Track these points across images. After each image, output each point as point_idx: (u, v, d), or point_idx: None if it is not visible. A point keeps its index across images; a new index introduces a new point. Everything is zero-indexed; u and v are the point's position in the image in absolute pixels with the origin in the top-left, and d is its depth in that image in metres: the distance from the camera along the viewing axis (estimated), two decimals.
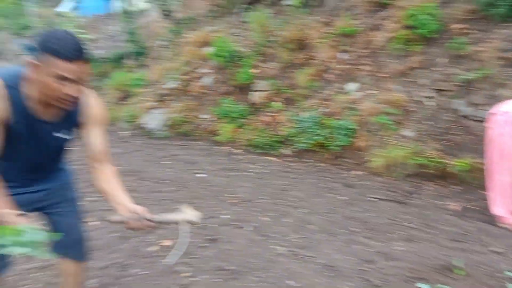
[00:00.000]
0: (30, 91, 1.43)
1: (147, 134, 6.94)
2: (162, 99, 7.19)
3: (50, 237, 1.27)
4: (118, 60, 9.39)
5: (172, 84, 7.09)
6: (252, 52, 6.05)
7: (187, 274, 2.64)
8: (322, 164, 4.80)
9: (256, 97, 5.79)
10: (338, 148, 4.60)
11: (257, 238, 3.10)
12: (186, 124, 6.59)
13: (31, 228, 1.21)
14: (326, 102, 5.00)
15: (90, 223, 3.38)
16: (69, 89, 1.35)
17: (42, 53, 1.32)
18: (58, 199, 1.83)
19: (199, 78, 6.79)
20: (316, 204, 3.71)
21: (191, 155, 5.65)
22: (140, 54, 8.91)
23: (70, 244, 1.84)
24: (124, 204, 1.51)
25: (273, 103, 5.54)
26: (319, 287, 2.42)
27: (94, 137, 1.64)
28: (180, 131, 6.64)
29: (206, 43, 6.88)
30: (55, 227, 1.84)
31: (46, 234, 1.23)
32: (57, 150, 1.68)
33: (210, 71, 6.67)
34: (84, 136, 1.65)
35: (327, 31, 5.30)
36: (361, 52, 4.97)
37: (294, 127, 5.06)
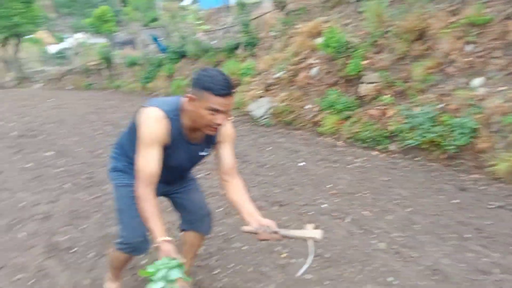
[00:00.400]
0: (184, 120, 1.71)
1: (253, 121, 7.22)
2: (269, 88, 7.39)
3: (182, 273, 1.45)
4: (231, 50, 9.91)
5: (279, 74, 7.24)
6: (364, 42, 5.83)
7: (284, 255, 2.71)
8: (432, 164, 4.44)
9: (364, 89, 5.58)
10: (454, 147, 4.20)
11: (356, 231, 3.03)
12: (290, 113, 6.68)
13: (174, 263, 1.42)
14: (444, 97, 4.58)
15: None
16: (219, 119, 1.60)
17: (199, 89, 1.58)
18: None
19: (307, 68, 6.79)
20: (423, 205, 3.46)
21: (293, 143, 5.72)
22: (252, 44, 9.26)
23: (199, 219, 2.11)
24: (255, 216, 1.72)
25: (383, 96, 5.28)
26: None
27: (226, 153, 1.89)
28: (283, 120, 6.76)
29: (317, 34, 6.84)
30: (183, 205, 2.11)
31: (181, 270, 1.43)
32: (197, 163, 1.97)
33: (318, 61, 6.62)
34: (217, 152, 1.91)
35: (452, 20, 4.83)
36: (492, 44, 4.42)
37: (404, 122, 4.75)
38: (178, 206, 2.15)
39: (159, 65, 13.02)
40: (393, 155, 4.86)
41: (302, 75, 6.75)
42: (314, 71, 6.64)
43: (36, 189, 4.08)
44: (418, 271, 2.45)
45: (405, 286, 2.30)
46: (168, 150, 1.72)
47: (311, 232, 1.67)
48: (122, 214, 1.89)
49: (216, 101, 1.56)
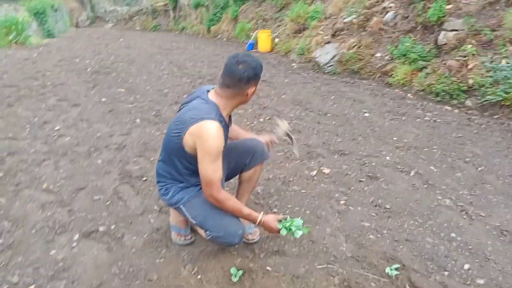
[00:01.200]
0: (224, 113, 1.87)
1: (317, 68, 6.99)
2: (337, 33, 7.02)
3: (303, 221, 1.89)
4: None
5: (349, 18, 6.81)
6: None
7: (342, 202, 2.71)
8: None
9: (444, 37, 5.09)
10: None
11: (420, 185, 2.92)
12: (358, 61, 6.34)
13: (289, 219, 1.87)
14: None
15: None
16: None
17: (258, 78, 1.83)
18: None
19: (381, 13, 6.31)
20: (497, 165, 3.23)
21: (359, 93, 5.49)
22: None
23: (260, 151, 2.21)
24: (256, 137, 2.26)
25: (465, 46, 4.79)
26: (488, 247, 2.18)
27: None
28: (350, 68, 6.46)
29: None
30: (239, 157, 2.20)
31: (301, 219, 1.86)
32: None
33: (394, 5, 6.11)
34: None
35: None
36: None
37: (487, 76, 4.33)
38: (236, 167, 2.22)
39: (224, 7, 12.83)
40: (468, 111, 4.50)
41: (375, 20, 6.29)
42: (389, 16, 6.15)
43: (111, 121, 4.38)
44: (485, 230, 2.34)
45: (469, 243, 2.22)
46: (224, 148, 1.87)
47: (284, 126, 2.33)
48: (212, 217, 1.93)
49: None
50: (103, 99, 5.28)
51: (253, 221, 1.88)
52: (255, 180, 2.29)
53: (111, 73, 6.99)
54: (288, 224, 1.83)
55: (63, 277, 2.00)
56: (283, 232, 1.82)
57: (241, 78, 1.75)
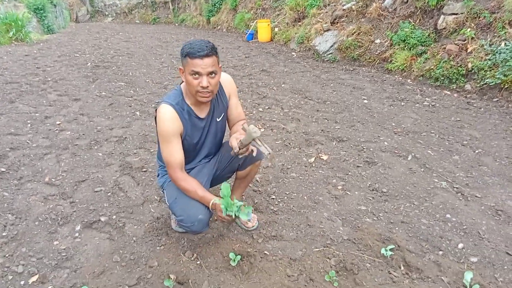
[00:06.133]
0: (187, 100, 1.86)
1: (316, 56, 6.97)
2: (336, 21, 6.98)
3: (241, 203, 1.78)
4: None
5: (349, 5, 6.77)
6: None
7: (340, 187, 2.74)
8: None
9: (444, 21, 5.06)
10: None
11: (417, 169, 2.94)
12: (358, 48, 6.32)
13: (235, 201, 1.78)
14: None
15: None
16: (203, 82, 1.70)
17: (182, 58, 1.72)
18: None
19: None
20: (494, 147, 3.24)
21: (358, 80, 5.49)
22: None
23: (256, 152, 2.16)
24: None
25: (464, 29, 4.76)
26: (482, 227, 2.21)
27: (233, 107, 2.07)
28: (349, 55, 6.44)
29: None
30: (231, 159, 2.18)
31: (241, 203, 1.79)
32: (219, 134, 2.10)
33: None
34: (229, 111, 2.09)
35: None
36: None
37: (486, 59, 4.31)
38: (231, 168, 2.21)
39: None
40: (467, 95, 4.50)
41: (374, 6, 6.25)
42: (387, 1, 6.11)
43: (111, 115, 4.41)
44: (480, 211, 2.37)
45: (464, 224, 2.25)
46: (188, 136, 1.90)
47: (253, 133, 1.77)
48: (179, 199, 1.92)
49: (195, 64, 1.68)
50: (103, 93, 5.30)
51: (206, 203, 1.84)
52: (251, 177, 2.29)
53: (111, 67, 7.00)
54: (228, 207, 1.78)
55: (66, 266, 2.05)
56: (224, 212, 1.76)
57: None
